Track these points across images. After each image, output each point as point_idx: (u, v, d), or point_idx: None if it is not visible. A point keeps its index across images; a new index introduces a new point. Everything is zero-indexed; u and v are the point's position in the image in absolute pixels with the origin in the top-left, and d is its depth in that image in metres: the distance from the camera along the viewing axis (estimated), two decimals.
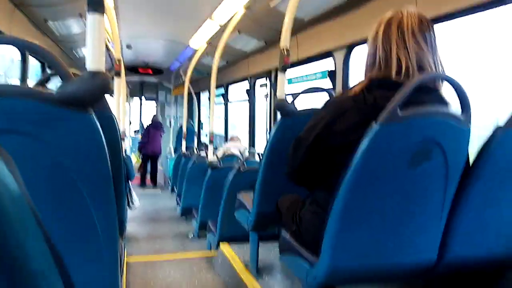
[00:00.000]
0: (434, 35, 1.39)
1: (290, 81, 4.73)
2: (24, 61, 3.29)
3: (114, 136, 1.66)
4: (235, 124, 7.43)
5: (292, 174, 1.62)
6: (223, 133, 7.29)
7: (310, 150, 1.48)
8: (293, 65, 4.36)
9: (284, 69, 2.29)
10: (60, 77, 1.03)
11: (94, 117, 1.05)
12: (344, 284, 1.78)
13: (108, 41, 4.73)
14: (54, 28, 4.28)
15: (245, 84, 6.03)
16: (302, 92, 2.15)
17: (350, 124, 1.37)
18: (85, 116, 1.04)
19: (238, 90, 6.78)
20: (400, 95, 1.24)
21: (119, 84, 3.44)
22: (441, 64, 1.42)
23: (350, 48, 3.27)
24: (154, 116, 9.20)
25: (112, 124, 1.66)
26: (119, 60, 3.43)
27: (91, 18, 1.09)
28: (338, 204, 1.34)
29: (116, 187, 1.72)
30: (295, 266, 1.62)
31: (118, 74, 3.44)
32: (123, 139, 4.61)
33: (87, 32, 1.11)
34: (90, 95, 1.03)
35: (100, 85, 1.04)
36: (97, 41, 1.10)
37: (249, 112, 5.78)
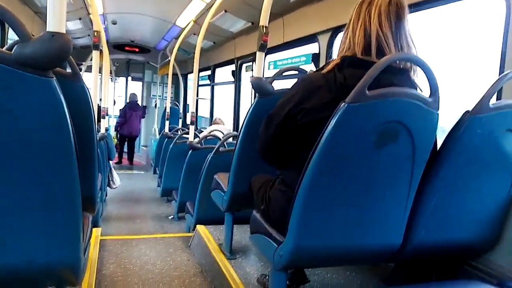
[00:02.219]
0: (406, 18, 1.38)
1: (275, 64, 4.69)
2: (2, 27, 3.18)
3: (85, 106, 1.61)
4: (222, 107, 7.38)
5: (263, 151, 1.61)
6: (208, 115, 7.24)
7: (281, 127, 1.48)
8: (279, 48, 4.33)
9: (262, 48, 2.26)
10: (18, 37, 0.97)
11: (55, 81, 1.00)
12: (310, 264, 1.78)
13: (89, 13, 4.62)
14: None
15: (233, 68, 5.97)
16: (280, 73, 2.12)
17: (320, 102, 1.37)
18: (44, 80, 0.99)
19: (225, 74, 6.71)
20: (369, 75, 1.22)
21: (97, 58, 3.35)
22: (414, 47, 1.41)
23: (335, 31, 3.24)
24: (132, 94, 9.00)
25: (82, 95, 1.60)
26: (97, 32, 3.32)
27: None
28: (305, 184, 1.33)
29: (86, 160, 1.69)
30: (264, 246, 1.62)
31: (96, 47, 3.33)
32: (103, 117, 4.54)
33: None
34: (49, 57, 0.98)
35: (59, 47, 0.98)
36: (58, 0, 1.03)
37: (235, 94, 5.73)
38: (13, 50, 0.96)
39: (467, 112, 1.43)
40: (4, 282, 1.21)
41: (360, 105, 1.23)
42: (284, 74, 2.45)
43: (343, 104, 1.23)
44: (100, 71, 5.13)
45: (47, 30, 1.00)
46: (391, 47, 1.35)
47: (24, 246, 1.10)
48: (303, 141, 1.45)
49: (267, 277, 2.03)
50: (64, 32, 1.01)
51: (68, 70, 1.61)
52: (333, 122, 1.24)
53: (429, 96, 1.35)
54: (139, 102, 9.76)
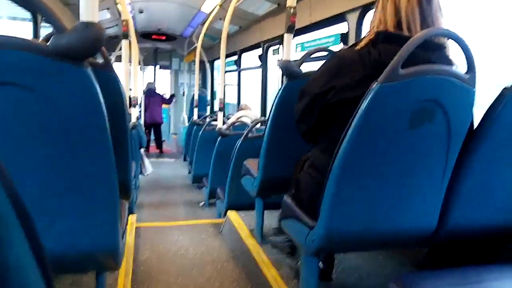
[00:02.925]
0: None
1: (303, 46, 4.60)
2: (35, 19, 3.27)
3: (117, 96, 1.65)
4: (250, 93, 7.35)
5: (297, 125, 1.60)
6: (236, 102, 7.23)
7: (310, 104, 1.44)
8: (306, 29, 4.23)
9: (290, 29, 2.20)
10: (54, 29, 1.00)
11: (89, 70, 1.03)
12: (343, 249, 1.75)
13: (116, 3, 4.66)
14: None
15: (259, 52, 5.90)
16: (308, 54, 2.07)
17: (353, 79, 1.32)
18: (79, 69, 1.02)
19: (252, 59, 6.65)
20: (403, 52, 1.17)
21: (127, 47, 3.38)
22: (443, 22, 1.34)
23: (364, 9, 3.12)
24: (149, 83, 9.04)
25: (114, 84, 1.63)
26: (126, 21, 3.35)
27: None
28: (337, 166, 1.29)
29: (120, 146, 1.72)
30: (295, 230, 1.60)
31: (125, 36, 3.37)
32: (134, 106, 4.60)
33: None
34: (84, 47, 1.00)
35: (93, 37, 1.01)
36: None
37: (262, 79, 5.68)
38: (49, 42, 0.99)
39: (505, 88, 1.35)
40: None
41: (393, 84, 1.18)
42: (313, 56, 2.38)
43: (375, 84, 1.18)
44: (130, 61, 5.20)
45: (80, 20, 1.02)
46: (418, 24, 1.29)
47: (66, 230, 1.14)
48: (333, 119, 1.41)
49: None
50: (97, 22, 1.02)
51: (100, 60, 1.65)
52: (365, 102, 1.20)
53: (466, 73, 1.28)
54: (168, 90, 9.86)
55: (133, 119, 4.35)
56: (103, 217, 1.18)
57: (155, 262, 2.47)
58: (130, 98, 4.53)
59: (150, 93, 8.83)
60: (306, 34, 4.40)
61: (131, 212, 3.24)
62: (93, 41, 1.01)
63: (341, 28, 3.58)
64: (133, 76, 4.85)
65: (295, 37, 4.53)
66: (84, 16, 1.04)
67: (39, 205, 1.09)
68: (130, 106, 4.40)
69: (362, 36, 1.42)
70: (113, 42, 7.03)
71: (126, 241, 2.39)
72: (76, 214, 1.14)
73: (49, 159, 1.08)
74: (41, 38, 3.41)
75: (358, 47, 1.36)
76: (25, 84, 1.00)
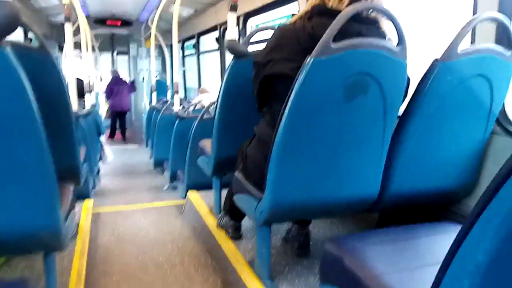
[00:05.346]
0: None
1: (258, 27, 4.63)
2: None
3: (55, 78, 1.61)
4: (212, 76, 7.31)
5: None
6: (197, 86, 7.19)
7: (257, 73, 1.50)
8: (261, 10, 4.26)
9: (234, 8, 2.23)
10: None
11: (8, 51, 1.00)
12: (290, 218, 1.84)
13: None
14: None
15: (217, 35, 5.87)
16: (254, 32, 2.11)
17: (290, 52, 1.38)
18: None
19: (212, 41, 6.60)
20: (334, 26, 1.23)
21: (70, 31, 3.29)
22: None
23: None
24: (113, 71, 8.88)
25: (51, 67, 1.59)
26: (67, 5, 3.24)
27: None
28: (278, 139, 1.36)
29: (62, 131, 1.71)
30: (245, 204, 1.67)
31: (67, 19, 3.27)
32: (89, 92, 4.50)
33: None
34: None
35: (6, 15, 0.97)
36: None
37: (220, 61, 5.67)
38: None
39: (436, 59, 1.44)
40: None
41: (326, 58, 1.24)
42: (266, 36, 2.42)
43: (309, 58, 1.24)
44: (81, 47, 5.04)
45: None
46: None
47: (4, 212, 1.15)
48: (274, 92, 1.47)
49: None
50: (10, 0, 1.00)
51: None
52: (301, 77, 1.26)
53: (396, 45, 1.35)
54: (127, 77, 9.63)
55: (87, 106, 4.26)
56: (39, 199, 1.18)
57: (114, 244, 2.49)
58: (82, 84, 4.40)
59: (116, 81, 8.65)
60: (261, 15, 4.43)
61: (87, 197, 3.21)
62: (7, 19, 0.98)
63: (294, 8, 3.64)
64: (85, 62, 4.73)
65: (251, 18, 4.58)
66: None
67: None
68: (82, 92, 4.28)
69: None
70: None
71: (81, 225, 2.39)
72: (11, 198, 1.14)
73: None
74: None
75: (293, 20, 1.42)
76: None
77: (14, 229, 1.17)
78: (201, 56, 7.05)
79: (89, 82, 4.83)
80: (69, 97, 1.74)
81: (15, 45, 1.04)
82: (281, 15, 4.08)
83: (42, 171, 1.15)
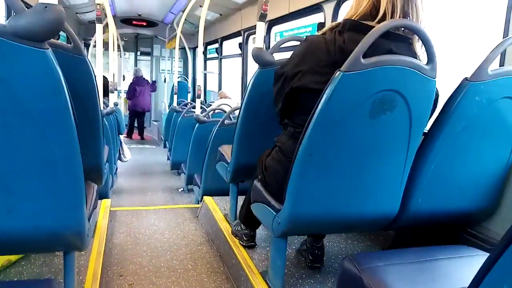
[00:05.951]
0: None
1: (281, 35, 4.64)
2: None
3: (87, 78, 1.64)
4: (232, 81, 7.36)
5: (274, 105, 1.62)
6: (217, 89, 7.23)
7: (283, 85, 1.48)
8: (285, 19, 4.27)
9: (262, 17, 2.23)
10: (12, 9, 1.00)
11: (49, 52, 1.03)
12: (308, 232, 1.83)
13: None
14: None
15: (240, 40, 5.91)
16: (281, 43, 2.11)
17: (318, 64, 1.36)
18: (38, 51, 1.01)
19: (234, 47, 6.64)
20: (364, 42, 1.22)
21: (101, 31, 3.35)
22: (422, 13, 1.38)
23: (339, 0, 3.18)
24: (136, 70, 8.95)
25: (84, 67, 1.63)
26: (99, 5, 3.31)
27: None
28: (301, 152, 1.35)
29: (91, 130, 1.74)
30: (263, 214, 1.66)
31: (99, 20, 3.33)
32: (112, 91, 4.57)
33: None
34: (42, 29, 0.99)
35: (51, 18, 1.00)
36: None
37: (242, 67, 5.70)
38: (7, 22, 0.98)
39: (465, 79, 1.42)
40: (13, 246, 1.28)
41: (355, 73, 1.23)
42: (288, 45, 2.42)
43: (338, 72, 1.24)
44: (108, 46, 5.14)
45: (39, 1, 1.01)
46: (397, 13, 1.32)
47: (30, 210, 1.16)
48: (297, 104, 1.46)
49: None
50: (57, 3, 1.02)
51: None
52: (328, 91, 1.25)
53: (426, 64, 1.33)
54: (148, 77, 9.76)
55: (111, 105, 4.32)
56: (66, 198, 1.19)
57: (129, 244, 2.51)
58: (107, 83, 4.47)
59: (140, 80, 8.75)
60: (285, 24, 4.44)
61: (105, 196, 3.25)
62: (52, 23, 1.00)
63: (318, 17, 3.64)
64: (111, 61, 4.80)
65: (274, 26, 4.59)
66: None
67: (2, 187, 1.10)
68: (107, 91, 4.35)
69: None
70: (92, 27, 6.90)
71: (99, 224, 2.42)
72: (39, 196, 1.16)
73: (9, 139, 1.07)
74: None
75: (323, 32, 1.41)
76: None
77: (40, 227, 1.18)
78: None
79: (113, 81, 4.91)
80: (98, 98, 1.77)
81: (52, 45, 1.06)
82: (305, 23, 4.07)
83: (72, 169, 1.16)
